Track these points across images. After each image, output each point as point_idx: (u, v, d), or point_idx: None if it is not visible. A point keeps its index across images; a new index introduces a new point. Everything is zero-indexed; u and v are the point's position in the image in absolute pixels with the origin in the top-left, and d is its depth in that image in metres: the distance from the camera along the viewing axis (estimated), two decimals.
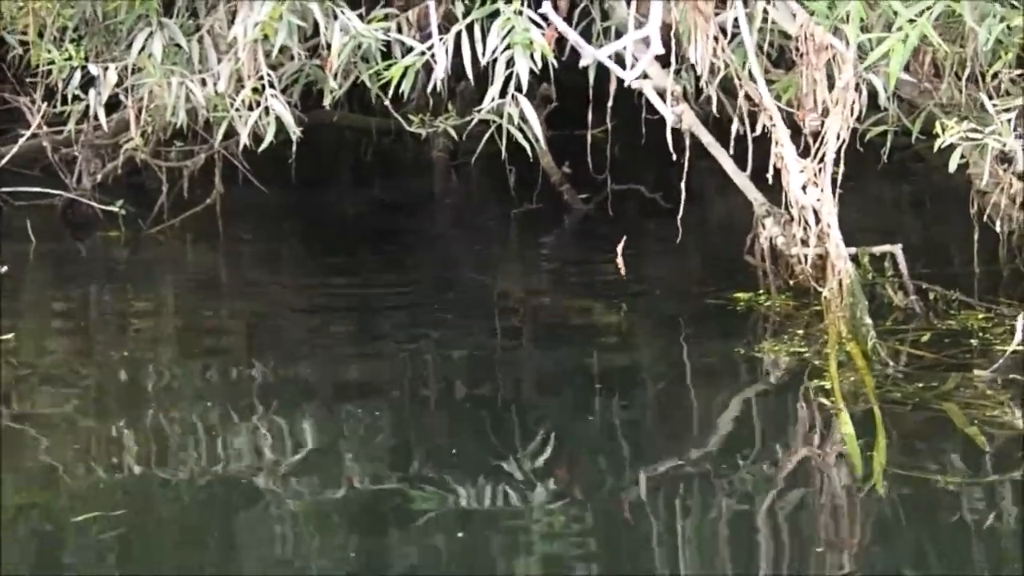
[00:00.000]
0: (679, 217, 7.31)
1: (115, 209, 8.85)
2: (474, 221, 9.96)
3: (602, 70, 7.60)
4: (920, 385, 6.09)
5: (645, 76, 6.91)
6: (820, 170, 6.58)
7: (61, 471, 5.53)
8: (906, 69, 6.48)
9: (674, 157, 7.08)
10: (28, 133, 8.78)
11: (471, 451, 5.70)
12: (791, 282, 7.19)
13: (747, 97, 6.96)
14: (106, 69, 7.68)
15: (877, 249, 7.10)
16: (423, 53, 6.77)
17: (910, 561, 4.69)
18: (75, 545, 4.92)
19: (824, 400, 6.01)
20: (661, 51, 6.50)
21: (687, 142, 7.12)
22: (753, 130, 6.92)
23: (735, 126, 7.05)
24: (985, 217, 7.25)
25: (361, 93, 8.41)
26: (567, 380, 6.54)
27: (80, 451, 5.75)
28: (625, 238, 7.34)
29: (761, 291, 7.36)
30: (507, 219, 9.61)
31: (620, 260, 7.26)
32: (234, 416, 6.06)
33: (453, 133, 8.10)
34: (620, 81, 7.40)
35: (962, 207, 7.60)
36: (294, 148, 7.92)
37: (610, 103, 7.73)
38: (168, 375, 6.68)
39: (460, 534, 4.89)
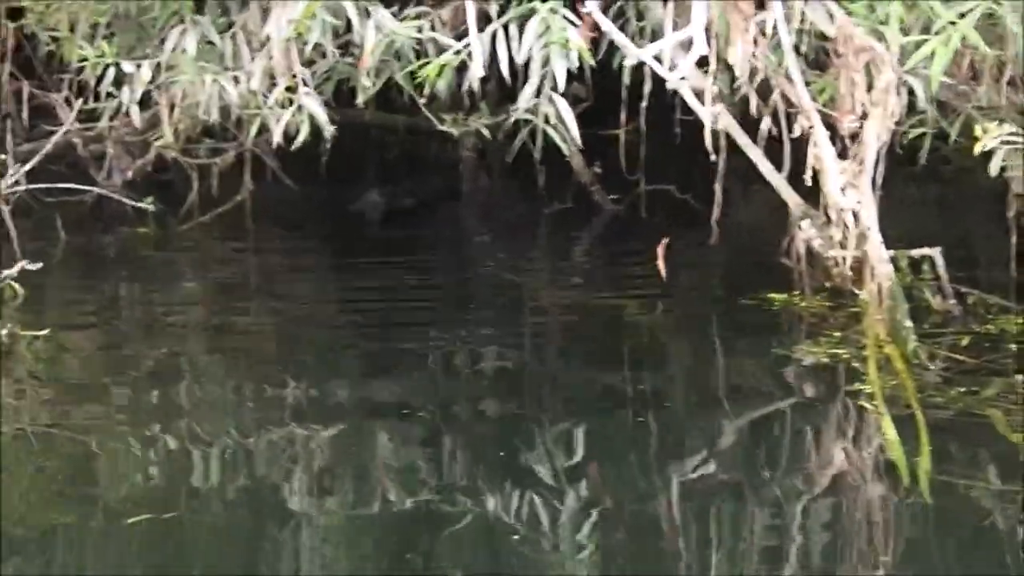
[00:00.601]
0: (713, 218, 7.30)
1: (145, 206, 8.83)
2: (505, 220, 9.94)
3: (634, 70, 7.60)
4: (961, 390, 6.06)
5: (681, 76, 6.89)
6: (859, 172, 6.55)
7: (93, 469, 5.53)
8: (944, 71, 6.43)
9: (700, 157, 7.07)
10: (61, 129, 8.77)
11: (502, 448, 5.71)
12: (826, 284, 7.16)
13: (784, 98, 6.92)
14: (139, 66, 7.69)
15: (916, 252, 7.06)
16: (458, 52, 6.75)
17: (955, 571, 4.66)
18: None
19: (864, 403, 5.98)
20: (705, 52, 6.48)
21: (723, 143, 7.10)
22: (790, 131, 6.90)
23: (772, 127, 7.02)
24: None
25: (387, 90, 8.38)
26: (601, 379, 6.51)
27: (111, 450, 5.74)
28: (665, 240, 7.31)
29: (796, 292, 7.34)
30: (538, 219, 9.59)
31: (661, 262, 7.23)
32: (257, 424, 6.02)
33: (486, 132, 8.09)
34: (654, 81, 7.41)
35: (992, 210, 7.57)
36: (328, 146, 7.89)
37: (644, 104, 7.72)
38: (194, 379, 6.63)
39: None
